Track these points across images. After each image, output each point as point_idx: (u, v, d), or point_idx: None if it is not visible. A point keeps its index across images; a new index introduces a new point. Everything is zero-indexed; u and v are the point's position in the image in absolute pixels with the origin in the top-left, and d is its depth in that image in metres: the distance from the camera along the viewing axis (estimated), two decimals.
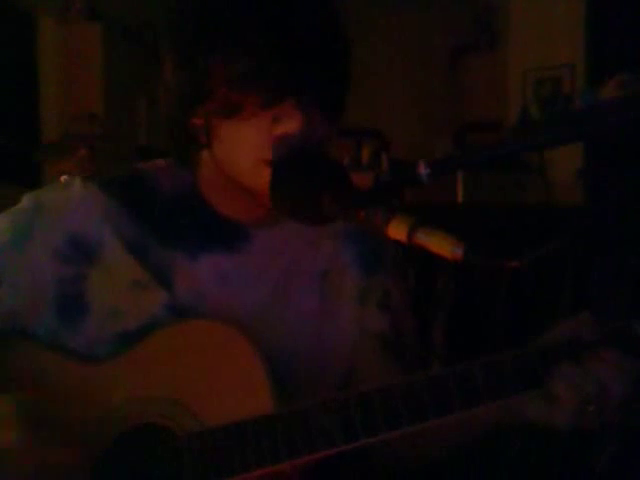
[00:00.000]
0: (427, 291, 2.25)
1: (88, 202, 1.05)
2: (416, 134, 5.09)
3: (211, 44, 0.96)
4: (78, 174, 1.10)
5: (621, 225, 2.32)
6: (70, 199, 1.06)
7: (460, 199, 3.65)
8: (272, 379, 0.96)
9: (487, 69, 5.35)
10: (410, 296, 1.21)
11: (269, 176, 0.97)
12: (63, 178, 2.84)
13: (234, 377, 0.97)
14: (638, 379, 0.89)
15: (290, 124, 0.96)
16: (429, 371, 0.93)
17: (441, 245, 0.84)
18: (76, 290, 1.04)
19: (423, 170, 0.96)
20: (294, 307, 1.09)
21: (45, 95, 4.73)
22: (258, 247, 1.09)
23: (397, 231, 0.86)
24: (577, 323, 0.94)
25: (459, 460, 1.12)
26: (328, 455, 0.92)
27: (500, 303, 2.16)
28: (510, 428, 0.99)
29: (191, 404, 0.97)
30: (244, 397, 0.96)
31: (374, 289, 1.14)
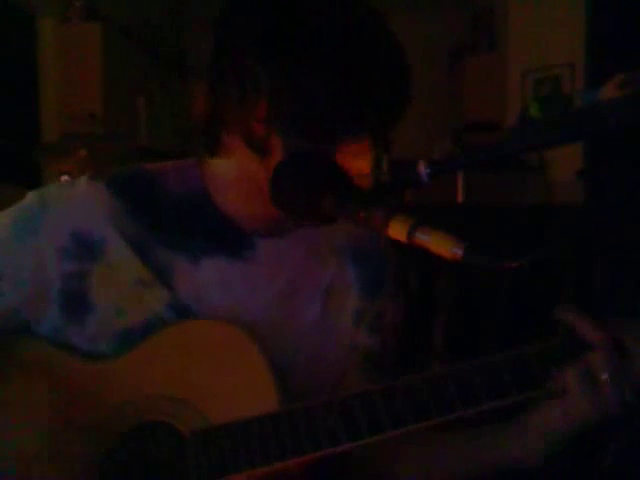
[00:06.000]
0: (427, 291, 2.25)
1: (93, 199, 1.05)
2: (416, 134, 5.09)
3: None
4: (78, 174, 1.10)
5: (621, 225, 2.31)
6: (75, 196, 1.06)
7: (460, 199, 3.66)
8: (277, 378, 0.96)
9: (486, 69, 5.35)
10: (406, 310, 1.20)
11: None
12: (63, 178, 2.84)
13: (240, 376, 0.97)
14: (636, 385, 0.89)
15: None
16: (429, 371, 0.93)
17: (441, 245, 0.84)
18: (80, 287, 1.04)
19: (423, 170, 0.96)
20: (295, 319, 1.09)
21: (45, 95, 4.73)
22: (262, 256, 1.08)
23: (397, 231, 0.86)
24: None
25: None
26: (332, 454, 0.92)
27: (500, 303, 2.16)
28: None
29: (197, 402, 0.97)
30: (250, 396, 0.96)
31: (368, 311, 1.14)
